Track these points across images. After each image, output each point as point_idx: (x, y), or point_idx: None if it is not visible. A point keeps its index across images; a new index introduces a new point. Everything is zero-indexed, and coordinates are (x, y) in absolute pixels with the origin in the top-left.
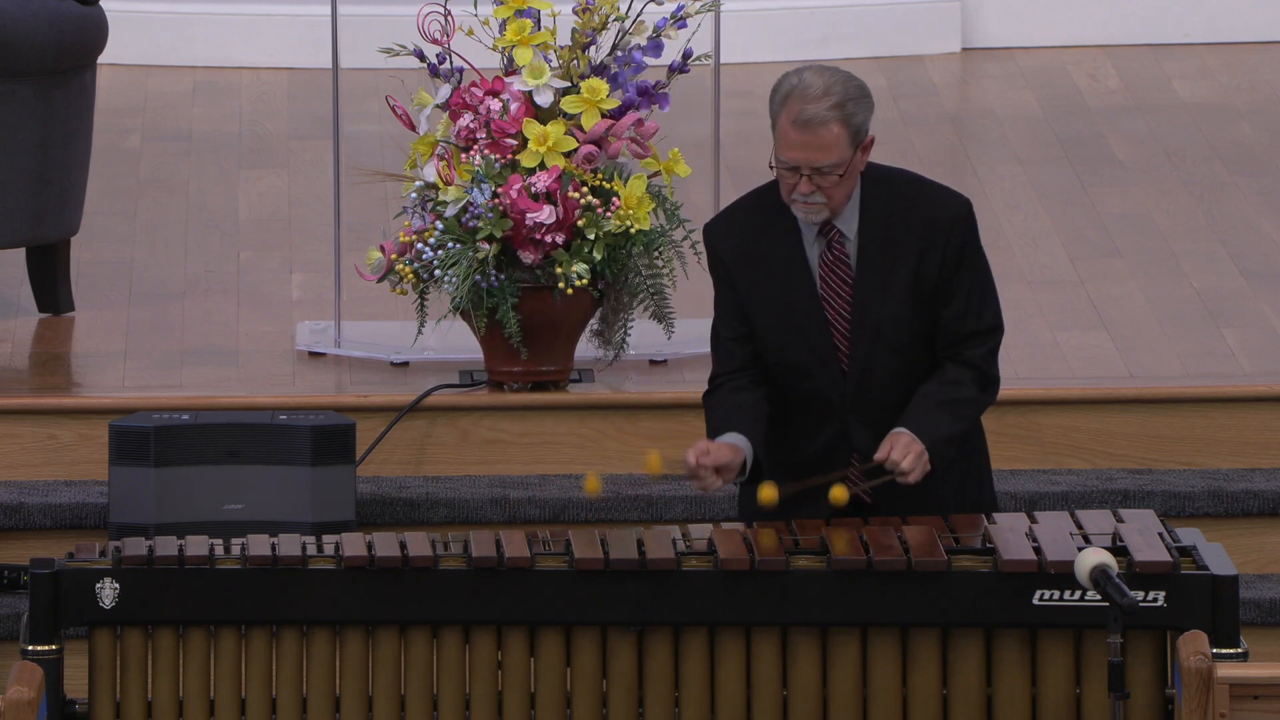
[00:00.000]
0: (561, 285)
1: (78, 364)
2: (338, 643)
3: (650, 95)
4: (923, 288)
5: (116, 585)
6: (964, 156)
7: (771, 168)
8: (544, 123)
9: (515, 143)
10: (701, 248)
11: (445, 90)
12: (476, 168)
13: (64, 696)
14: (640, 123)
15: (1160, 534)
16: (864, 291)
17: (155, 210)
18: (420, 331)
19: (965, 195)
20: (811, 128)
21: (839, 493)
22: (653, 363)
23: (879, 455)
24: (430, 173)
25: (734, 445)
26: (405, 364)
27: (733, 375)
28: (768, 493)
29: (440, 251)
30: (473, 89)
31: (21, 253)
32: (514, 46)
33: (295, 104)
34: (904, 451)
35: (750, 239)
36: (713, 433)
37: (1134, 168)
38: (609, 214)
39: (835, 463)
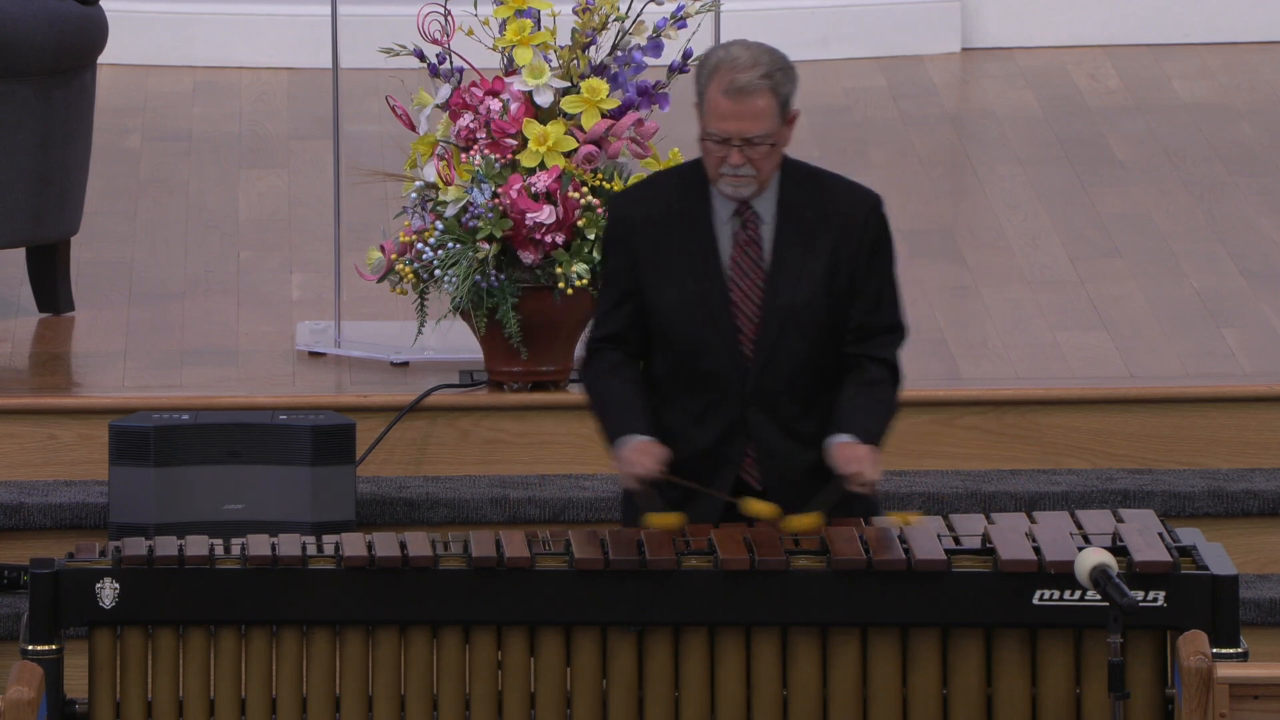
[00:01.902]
0: (561, 285)
1: (78, 364)
2: (338, 643)
3: (650, 95)
4: (836, 279)
5: (116, 585)
6: (964, 156)
7: (702, 140)
8: (544, 123)
9: (515, 143)
10: None
11: (445, 90)
12: (476, 168)
13: (64, 696)
14: (640, 123)
15: (1160, 534)
16: (778, 275)
17: (155, 210)
18: (420, 331)
19: (877, 193)
20: (743, 97)
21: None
22: None
23: (842, 469)
24: (430, 173)
25: (658, 443)
26: (405, 364)
27: (612, 344)
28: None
29: (440, 251)
30: (473, 89)
31: (21, 253)
32: (514, 46)
33: (295, 104)
34: (871, 464)
35: (662, 211)
36: (616, 422)
37: (1134, 168)
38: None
39: (729, 454)
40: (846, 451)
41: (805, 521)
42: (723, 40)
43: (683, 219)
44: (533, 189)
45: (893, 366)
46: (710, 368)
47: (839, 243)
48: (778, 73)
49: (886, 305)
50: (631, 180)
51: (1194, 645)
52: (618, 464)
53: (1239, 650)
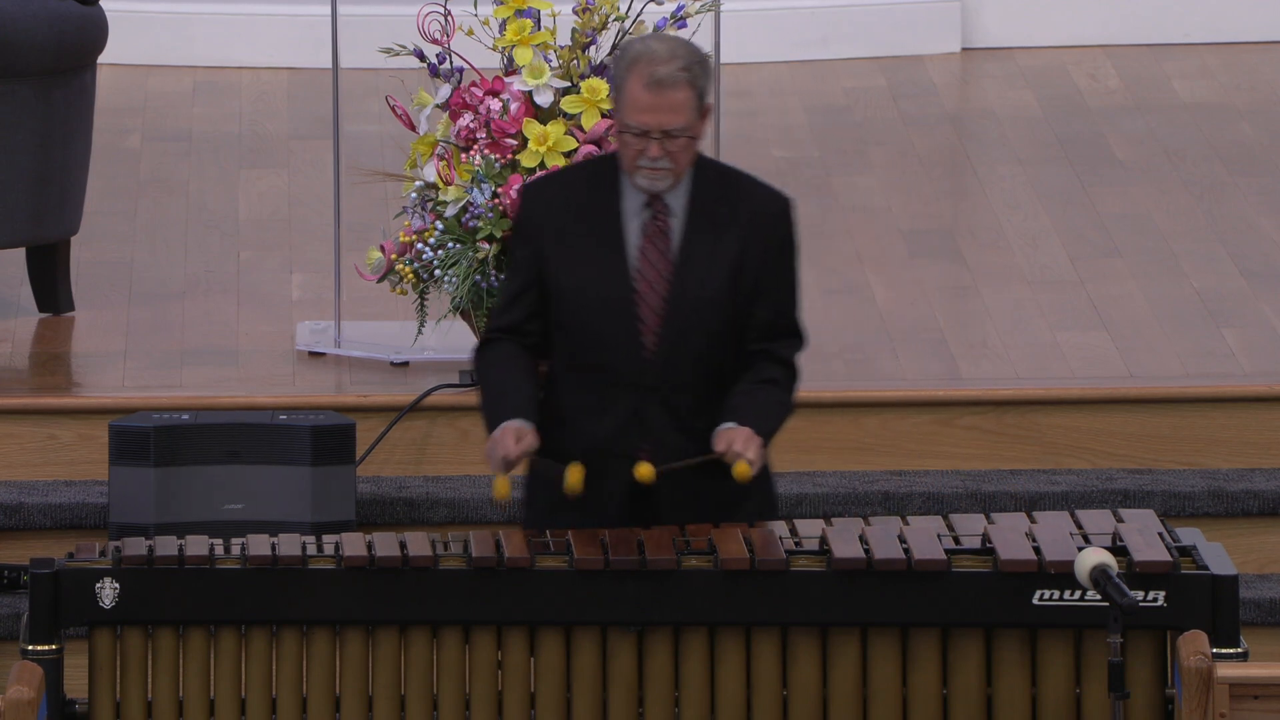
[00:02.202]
0: None
1: (78, 364)
2: (338, 643)
3: None
4: (742, 277)
5: (116, 585)
6: (964, 156)
7: (620, 133)
8: (544, 123)
9: (515, 143)
10: None
11: (445, 90)
12: (476, 168)
13: (64, 696)
14: None
15: (1160, 534)
16: (685, 269)
17: (155, 210)
18: (420, 331)
19: (788, 196)
20: (663, 89)
21: (645, 471)
22: None
23: (720, 448)
24: (430, 173)
25: (533, 431)
26: (405, 364)
27: (509, 334)
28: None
29: (440, 251)
30: (473, 89)
31: (21, 253)
32: (514, 46)
33: (295, 104)
34: (746, 444)
35: (570, 201)
36: (495, 407)
37: (1134, 168)
38: None
39: (625, 446)
40: (727, 434)
41: (640, 470)
42: (721, 40)
43: (591, 209)
44: None
45: (792, 368)
46: (610, 359)
47: (748, 241)
48: (695, 65)
49: (792, 309)
50: None
51: (1194, 645)
52: (486, 448)
53: (1239, 650)
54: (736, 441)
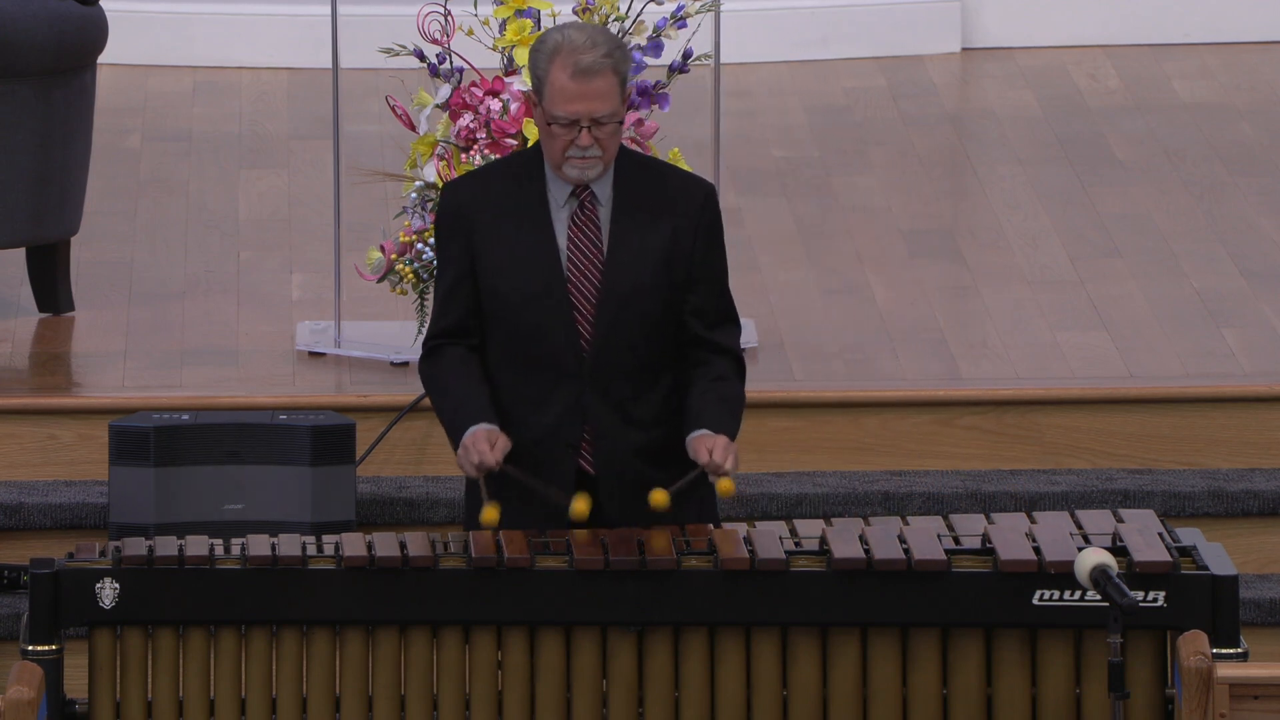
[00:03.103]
0: None
1: (78, 364)
2: (338, 643)
3: (650, 95)
4: (676, 263)
5: (116, 585)
6: (964, 156)
7: (547, 125)
8: None
9: (515, 143)
10: None
11: (445, 90)
12: (476, 168)
13: (64, 696)
14: (640, 123)
15: (1160, 534)
16: (616, 256)
17: (155, 210)
18: (420, 331)
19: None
20: (589, 77)
21: (660, 497)
22: None
23: (701, 460)
24: (430, 173)
25: (500, 433)
26: (405, 364)
27: (453, 340)
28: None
29: None
30: (473, 89)
31: (21, 253)
32: (514, 46)
33: (295, 104)
34: (724, 454)
35: (495, 195)
36: (458, 414)
37: (1134, 168)
38: None
39: (567, 436)
40: (705, 442)
41: (655, 498)
42: (721, 41)
43: (518, 204)
44: None
45: (737, 358)
46: (547, 350)
47: (676, 229)
48: (616, 51)
49: (724, 293)
50: None
51: (1194, 645)
52: (459, 455)
53: (1239, 650)
54: (716, 451)
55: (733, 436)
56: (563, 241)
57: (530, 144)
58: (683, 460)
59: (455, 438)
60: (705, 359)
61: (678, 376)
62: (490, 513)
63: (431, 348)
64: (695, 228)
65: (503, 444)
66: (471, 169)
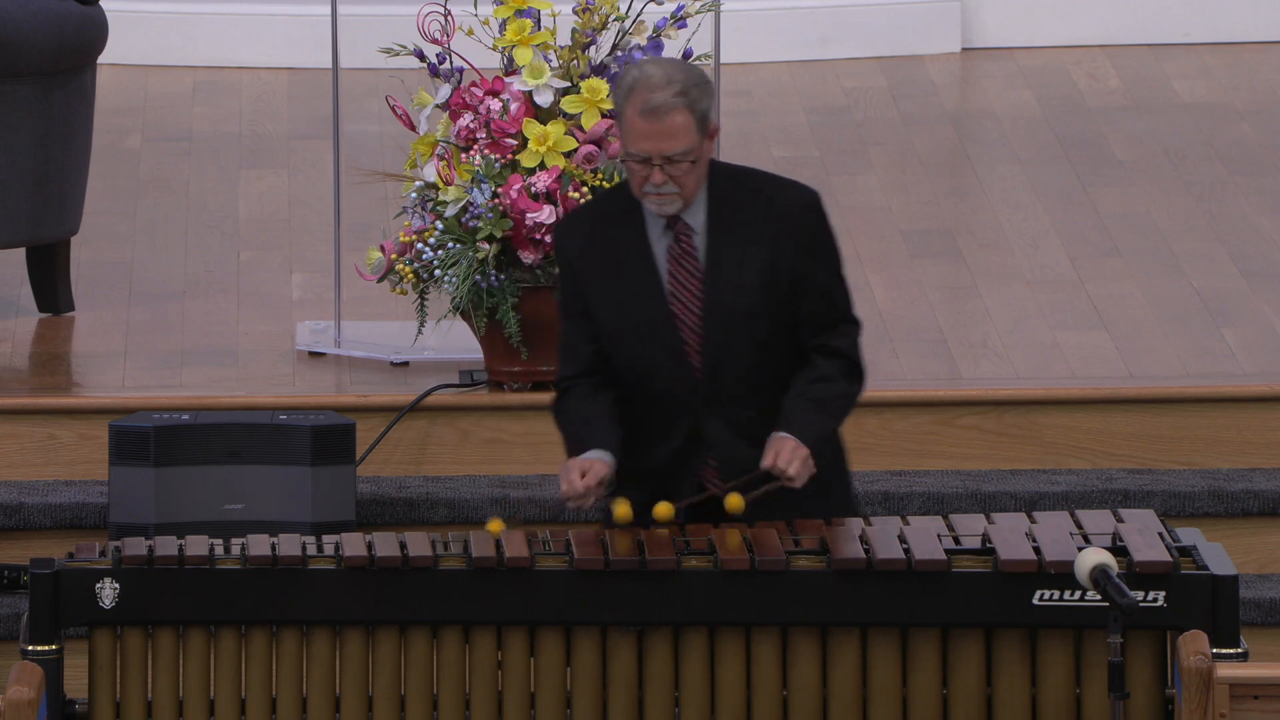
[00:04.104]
0: None
1: (78, 364)
2: (338, 643)
3: None
4: (777, 279)
5: (116, 585)
6: (964, 156)
7: (624, 161)
8: (544, 123)
9: (515, 143)
10: None
11: (445, 90)
12: (476, 168)
13: (64, 696)
14: None
15: (1160, 534)
16: (714, 284)
17: (155, 210)
18: (420, 331)
19: (814, 189)
20: (658, 116)
21: (735, 502)
22: None
23: (765, 462)
24: (430, 173)
25: (603, 460)
26: (405, 364)
27: (579, 380)
28: (661, 510)
29: (440, 251)
30: (473, 89)
31: (21, 253)
32: (514, 46)
33: (295, 104)
34: (790, 457)
35: (597, 236)
36: (573, 444)
37: (1134, 168)
38: None
39: (691, 464)
40: (775, 445)
41: (731, 502)
42: (721, 41)
43: (618, 241)
44: (533, 189)
45: (848, 359)
46: (661, 383)
47: (775, 243)
48: (693, 89)
49: (839, 300)
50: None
51: (1194, 645)
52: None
53: (1239, 650)
54: (782, 454)
55: (821, 436)
56: (664, 274)
57: (530, 144)
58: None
59: None
60: (812, 361)
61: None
62: (621, 508)
63: (561, 391)
64: (794, 240)
65: (597, 471)
66: (577, 207)
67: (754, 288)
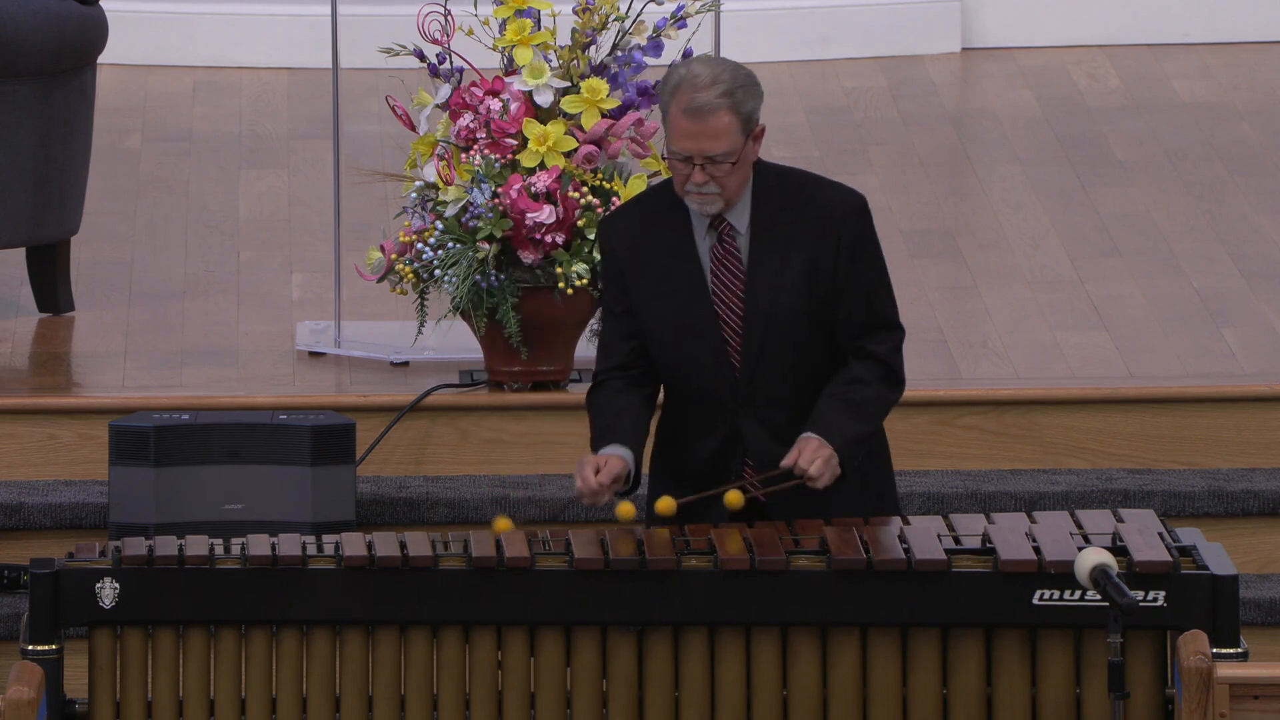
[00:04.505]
0: (561, 285)
1: (78, 364)
2: (338, 643)
3: (650, 95)
4: (818, 281)
5: (116, 585)
6: (964, 156)
7: (664, 159)
8: (544, 123)
9: (515, 143)
10: None
11: (445, 90)
12: (476, 168)
13: (64, 696)
14: (640, 123)
15: (1160, 534)
16: (756, 285)
17: (155, 210)
18: (420, 331)
19: (860, 192)
20: (702, 116)
21: (734, 497)
22: None
23: (787, 461)
24: (430, 173)
25: (620, 456)
26: (405, 364)
27: (615, 373)
28: (663, 504)
29: (440, 251)
30: (473, 89)
31: (21, 253)
32: (514, 46)
33: (295, 104)
34: (812, 457)
35: (643, 233)
36: (598, 437)
37: (1134, 168)
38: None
39: (729, 464)
40: (800, 444)
41: (730, 498)
42: (721, 41)
43: (664, 240)
44: (533, 189)
45: (885, 364)
46: (702, 383)
47: (817, 246)
48: (739, 90)
49: (879, 305)
50: (633, 182)
51: (1194, 645)
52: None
53: (1239, 650)
54: (804, 453)
55: (851, 439)
56: (708, 274)
57: (530, 144)
58: (852, 476)
59: None
60: (848, 364)
61: None
62: (625, 509)
63: (595, 384)
64: (836, 243)
65: (611, 468)
66: (624, 203)
67: (794, 289)
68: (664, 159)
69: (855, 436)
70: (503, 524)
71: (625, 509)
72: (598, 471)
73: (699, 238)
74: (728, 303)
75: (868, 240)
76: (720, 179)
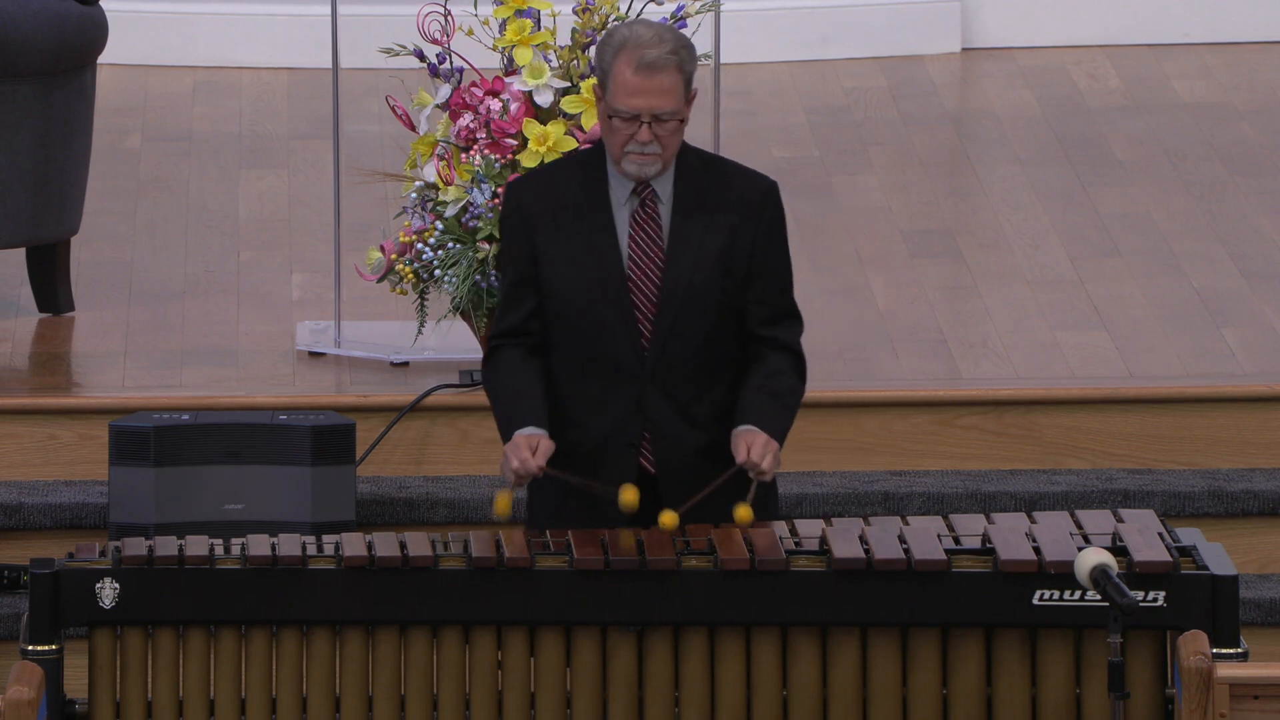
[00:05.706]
0: None
1: (78, 364)
2: (338, 643)
3: None
4: (734, 261)
5: (116, 585)
6: (964, 156)
7: (608, 118)
8: (544, 123)
9: (515, 143)
10: None
11: (445, 90)
12: (476, 168)
13: (64, 696)
14: None
15: (1160, 534)
16: (676, 255)
17: (155, 210)
18: (420, 331)
19: (772, 178)
20: (653, 72)
21: (744, 513)
22: None
23: (739, 457)
24: (430, 173)
25: (544, 435)
26: (405, 364)
27: (511, 339)
28: (667, 518)
29: (440, 251)
30: (473, 89)
31: (21, 253)
32: (514, 46)
33: (295, 104)
34: (763, 451)
35: (558, 194)
36: (505, 420)
37: (1134, 168)
38: None
39: (627, 437)
40: (745, 439)
41: (740, 513)
42: (721, 41)
43: (581, 202)
44: None
45: (797, 354)
46: (608, 350)
47: (736, 226)
48: (683, 50)
49: (788, 289)
50: None
51: (1194, 645)
52: (501, 461)
53: (1239, 650)
54: (755, 448)
55: (783, 432)
56: (624, 240)
57: (530, 144)
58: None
59: (505, 442)
60: (762, 354)
61: (739, 375)
62: (503, 501)
63: (491, 349)
64: (755, 225)
65: (545, 448)
66: (535, 167)
67: (713, 265)
68: (605, 119)
69: (785, 429)
70: (503, 502)
71: (505, 503)
72: (534, 452)
73: (617, 204)
74: (644, 269)
75: (782, 226)
76: (664, 139)
